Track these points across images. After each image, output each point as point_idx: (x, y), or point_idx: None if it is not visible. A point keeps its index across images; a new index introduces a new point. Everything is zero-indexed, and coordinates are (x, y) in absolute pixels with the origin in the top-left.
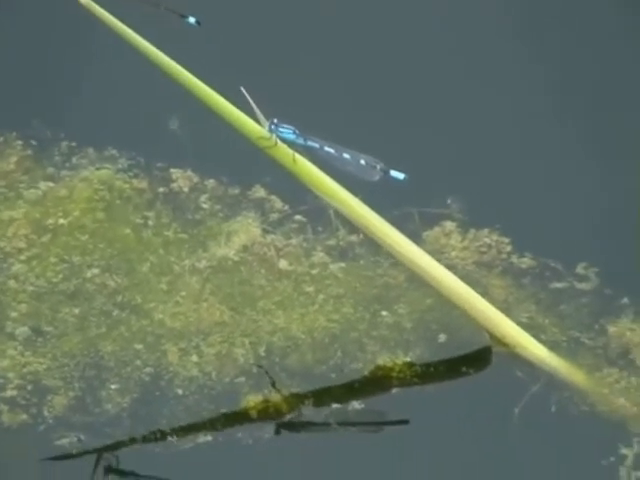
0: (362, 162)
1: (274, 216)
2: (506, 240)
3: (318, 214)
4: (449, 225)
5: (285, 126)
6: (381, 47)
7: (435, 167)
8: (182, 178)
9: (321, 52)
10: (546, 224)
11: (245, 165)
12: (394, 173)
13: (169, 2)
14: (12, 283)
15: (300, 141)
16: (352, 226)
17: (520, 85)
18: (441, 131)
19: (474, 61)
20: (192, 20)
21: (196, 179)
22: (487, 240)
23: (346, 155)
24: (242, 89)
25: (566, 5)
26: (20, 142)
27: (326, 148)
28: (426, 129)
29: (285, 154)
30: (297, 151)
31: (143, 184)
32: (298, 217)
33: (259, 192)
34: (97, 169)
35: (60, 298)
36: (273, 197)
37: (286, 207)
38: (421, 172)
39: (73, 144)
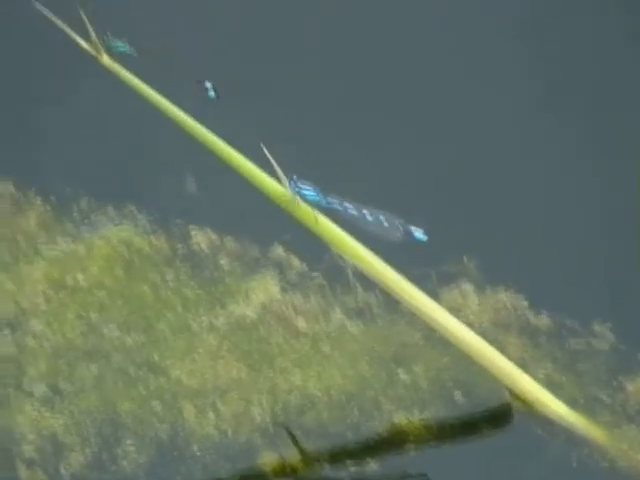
0: (384, 222)
1: (292, 275)
2: (522, 298)
3: (336, 273)
4: (465, 284)
5: (306, 185)
6: (403, 109)
7: (451, 225)
8: (201, 236)
9: (340, 110)
10: (561, 281)
11: (264, 224)
12: (416, 233)
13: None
14: (30, 340)
15: (322, 201)
16: (370, 285)
17: (542, 149)
18: (457, 191)
19: (497, 120)
20: (209, 85)
21: (215, 237)
22: (503, 298)
23: (367, 214)
24: (262, 146)
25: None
26: (39, 199)
27: (348, 207)
28: (443, 189)
29: (307, 214)
30: (318, 209)
31: (162, 242)
32: (316, 276)
33: (278, 251)
34: (116, 226)
35: (78, 355)
36: (292, 256)
37: (304, 266)
38: (437, 230)
39: (92, 201)
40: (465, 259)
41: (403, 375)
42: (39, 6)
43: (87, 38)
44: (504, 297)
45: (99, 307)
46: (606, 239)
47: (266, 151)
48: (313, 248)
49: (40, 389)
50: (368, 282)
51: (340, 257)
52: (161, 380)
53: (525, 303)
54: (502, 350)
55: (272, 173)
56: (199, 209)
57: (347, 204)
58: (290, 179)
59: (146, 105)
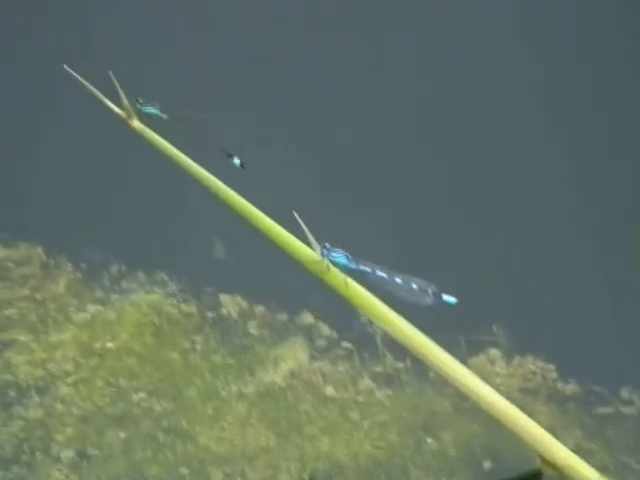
0: (414, 286)
1: (321, 342)
2: (551, 367)
3: (365, 341)
4: (494, 352)
5: (337, 250)
6: (434, 176)
7: (481, 295)
8: (231, 303)
9: (369, 178)
10: (589, 349)
11: (293, 291)
12: (446, 298)
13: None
14: (59, 406)
15: (352, 265)
16: (399, 353)
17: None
18: (487, 262)
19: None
20: (237, 161)
21: (245, 304)
22: (532, 367)
23: (398, 279)
24: (295, 214)
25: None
26: (70, 265)
27: (378, 272)
28: (473, 260)
29: (337, 278)
30: (349, 275)
31: (192, 309)
32: (345, 344)
33: (307, 318)
34: (146, 293)
35: (106, 421)
36: (321, 323)
37: (333, 333)
38: (467, 299)
39: (123, 268)
40: (494, 328)
41: (432, 443)
42: (69, 70)
43: (118, 102)
44: (532, 365)
45: (128, 373)
46: (632, 307)
47: (297, 216)
48: (342, 315)
49: (68, 454)
50: (397, 350)
51: (369, 324)
52: (189, 446)
53: (553, 370)
54: (530, 417)
55: (302, 238)
56: (229, 276)
57: (378, 270)
58: (323, 247)
59: (177, 171)
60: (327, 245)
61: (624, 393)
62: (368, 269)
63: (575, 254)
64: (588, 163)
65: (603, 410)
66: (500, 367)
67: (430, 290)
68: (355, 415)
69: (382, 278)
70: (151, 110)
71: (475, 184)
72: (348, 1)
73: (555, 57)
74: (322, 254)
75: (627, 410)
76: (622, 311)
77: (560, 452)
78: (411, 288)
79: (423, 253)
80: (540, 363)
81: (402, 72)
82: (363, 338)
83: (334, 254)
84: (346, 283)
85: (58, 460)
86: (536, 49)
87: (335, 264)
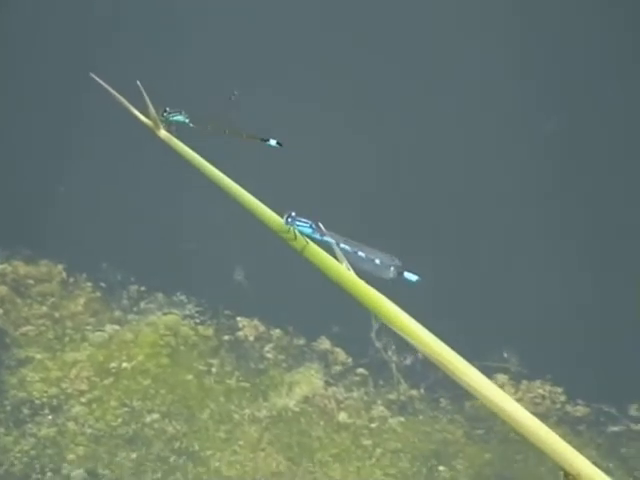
0: (377, 261)
1: (337, 368)
2: (559, 389)
3: (380, 367)
4: (501, 377)
5: (302, 220)
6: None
7: (490, 322)
8: (248, 327)
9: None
10: (595, 369)
11: (311, 316)
12: (408, 275)
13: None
14: (71, 425)
15: (316, 236)
16: (413, 380)
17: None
18: (497, 291)
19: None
20: (273, 142)
21: (262, 328)
22: (540, 391)
23: (361, 253)
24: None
25: None
26: (90, 284)
27: (342, 244)
28: (481, 286)
29: (301, 244)
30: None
31: (209, 331)
32: (361, 370)
33: (324, 343)
34: (164, 314)
35: (118, 442)
36: (337, 349)
37: (349, 360)
38: (477, 326)
39: (142, 288)
40: (505, 354)
41: (444, 471)
42: (96, 78)
43: (145, 112)
44: (540, 389)
45: (142, 394)
46: (634, 326)
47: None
48: (359, 341)
49: (79, 474)
50: (412, 377)
51: (385, 351)
52: (200, 470)
53: (561, 393)
54: None
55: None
56: (248, 299)
57: (342, 240)
58: (288, 216)
59: (199, 194)
60: (292, 214)
61: (632, 410)
62: (332, 240)
63: (579, 280)
64: (595, 192)
65: (614, 429)
66: (508, 392)
67: (393, 266)
68: (367, 442)
69: (345, 250)
70: (178, 117)
71: (486, 213)
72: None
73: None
74: (286, 222)
75: (637, 427)
76: (624, 330)
77: (585, 466)
78: (374, 262)
79: (437, 286)
80: (548, 387)
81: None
82: (378, 365)
83: (298, 223)
84: (305, 246)
85: (68, 479)
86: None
87: (301, 233)
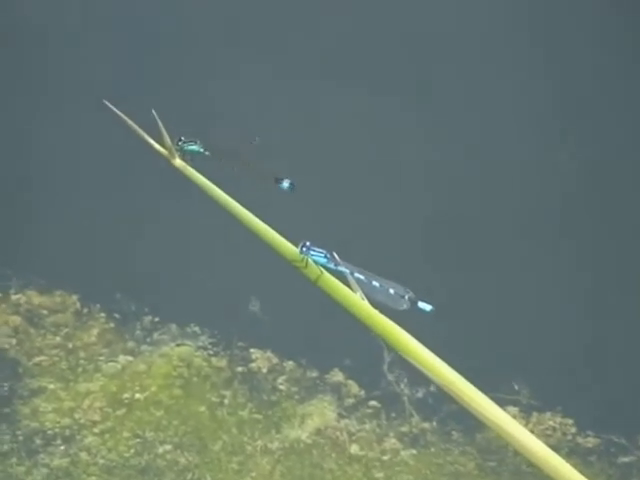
0: (391, 291)
1: (350, 401)
2: (570, 421)
3: (392, 400)
4: (512, 409)
5: (317, 249)
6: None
7: (501, 355)
8: (261, 358)
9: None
10: (604, 400)
11: (325, 348)
12: (422, 305)
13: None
14: (84, 455)
15: (331, 265)
16: (425, 413)
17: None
18: (509, 323)
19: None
20: (286, 184)
21: (275, 360)
22: (551, 423)
23: (375, 283)
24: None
25: None
26: (103, 314)
27: (356, 274)
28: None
29: (314, 272)
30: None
31: (222, 362)
32: (373, 402)
33: (337, 376)
34: (177, 345)
35: (130, 473)
36: (350, 382)
37: (362, 392)
38: (488, 359)
39: (156, 319)
40: (516, 386)
41: None
42: (110, 106)
43: (160, 141)
44: (551, 421)
45: (155, 425)
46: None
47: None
48: (372, 373)
49: None
50: (424, 409)
51: (397, 384)
52: None
53: (572, 424)
54: None
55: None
56: (261, 331)
57: (356, 270)
58: (302, 244)
59: (215, 226)
60: (307, 243)
61: None
62: (347, 270)
63: (590, 312)
64: (611, 223)
65: (625, 459)
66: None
67: (407, 296)
68: (380, 474)
69: (360, 280)
70: (193, 147)
71: (499, 244)
72: None
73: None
74: (301, 251)
75: None
76: (634, 361)
77: None
78: (388, 292)
79: (448, 312)
80: (559, 418)
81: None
82: (391, 397)
83: (313, 252)
84: (319, 276)
85: None
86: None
87: (315, 262)
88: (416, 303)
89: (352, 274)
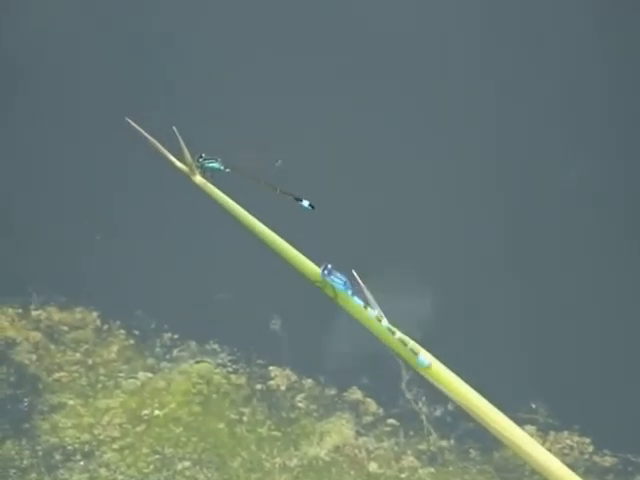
0: (396, 335)
1: (368, 419)
2: (587, 440)
3: (411, 418)
4: (530, 428)
5: (337, 275)
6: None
7: (516, 372)
8: (280, 376)
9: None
10: (622, 419)
11: (344, 366)
12: (421, 358)
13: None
14: (103, 471)
15: (348, 293)
16: (443, 431)
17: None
18: (522, 340)
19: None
20: (306, 204)
21: (294, 378)
22: (568, 441)
23: (385, 322)
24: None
25: None
26: (123, 331)
27: (369, 308)
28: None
29: (331, 291)
30: None
31: (241, 380)
32: (391, 420)
33: (355, 394)
34: (197, 362)
35: None
36: (368, 399)
37: (380, 410)
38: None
39: (176, 336)
40: (533, 405)
41: None
42: (132, 123)
43: (181, 159)
44: (568, 440)
45: (174, 442)
46: None
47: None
48: (390, 391)
49: None
50: (442, 428)
51: (415, 402)
52: None
53: (589, 443)
54: None
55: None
56: (281, 349)
57: (370, 304)
58: (324, 267)
59: (235, 243)
60: (329, 266)
61: None
62: (360, 302)
63: (606, 331)
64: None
65: None
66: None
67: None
68: None
69: (372, 312)
70: (214, 165)
71: (516, 262)
72: None
73: None
74: (322, 274)
75: None
76: None
77: None
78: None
79: (466, 332)
80: (576, 437)
81: None
82: (409, 415)
83: (333, 277)
84: (335, 294)
85: None
86: None
87: (333, 287)
88: (417, 354)
89: (365, 308)
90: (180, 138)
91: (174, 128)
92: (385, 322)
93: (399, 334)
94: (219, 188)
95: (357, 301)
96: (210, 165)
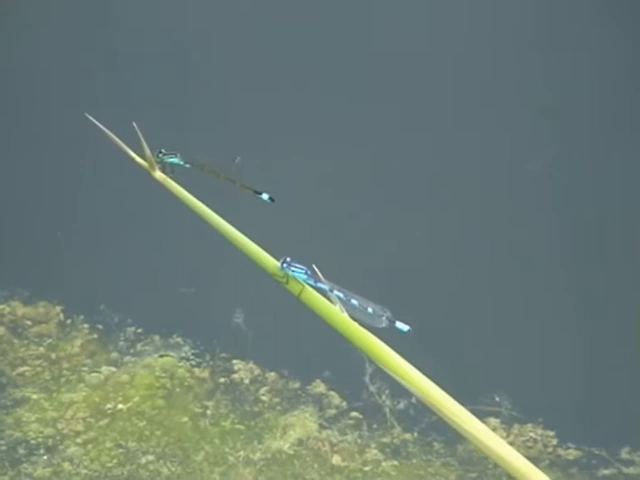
0: (369, 310)
1: (331, 412)
2: (551, 433)
3: (374, 411)
4: (493, 421)
5: (297, 266)
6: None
7: (480, 365)
8: (244, 370)
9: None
10: (586, 413)
11: (307, 360)
12: (399, 325)
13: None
14: (67, 465)
15: (310, 282)
16: (407, 424)
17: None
18: (486, 332)
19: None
20: (266, 197)
21: (257, 371)
22: (532, 434)
23: (354, 301)
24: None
25: None
26: (87, 325)
27: (335, 291)
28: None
29: (296, 288)
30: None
31: (205, 373)
32: (354, 414)
33: (319, 387)
34: (160, 356)
35: None
36: (332, 393)
37: (344, 403)
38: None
39: (139, 330)
40: (497, 398)
41: None
42: (92, 119)
43: (141, 154)
44: (532, 433)
45: (138, 436)
46: (624, 368)
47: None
48: (353, 385)
49: None
50: (405, 421)
51: (379, 395)
52: None
53: (553, 436)
54: None
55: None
56: (244, 342)
57: (335, 288)
58: (283, 260)
59: (197, 237)
60: (288, 259)
61: (624, 454)
62: (326, 287)
63: (570, 323)
64: (592, 238)
65: (605, 472)
66: (500, 436)
67: (385, 316)
68: None
69: (339, 297)
70: (173, 160)
71: (480, 254)
72: None
73: None
74: (282, 267)
75: (629, 470)
76: (615, 374)
77: None
78: (366, 310)
79: (428, 325)
80: (540, 430)
81: None
82: (372, 408)
83: (293, 268)
84: (301, 290)
85: None
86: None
87: (295, 278)
88: (394, 322)
89: (331, 291)
90: (140, 133)
91: (134, 124)
92: (346, 315)
93: (360, 328)
94: (179, 183)
95: (319, 296)
96: (170, 160)
